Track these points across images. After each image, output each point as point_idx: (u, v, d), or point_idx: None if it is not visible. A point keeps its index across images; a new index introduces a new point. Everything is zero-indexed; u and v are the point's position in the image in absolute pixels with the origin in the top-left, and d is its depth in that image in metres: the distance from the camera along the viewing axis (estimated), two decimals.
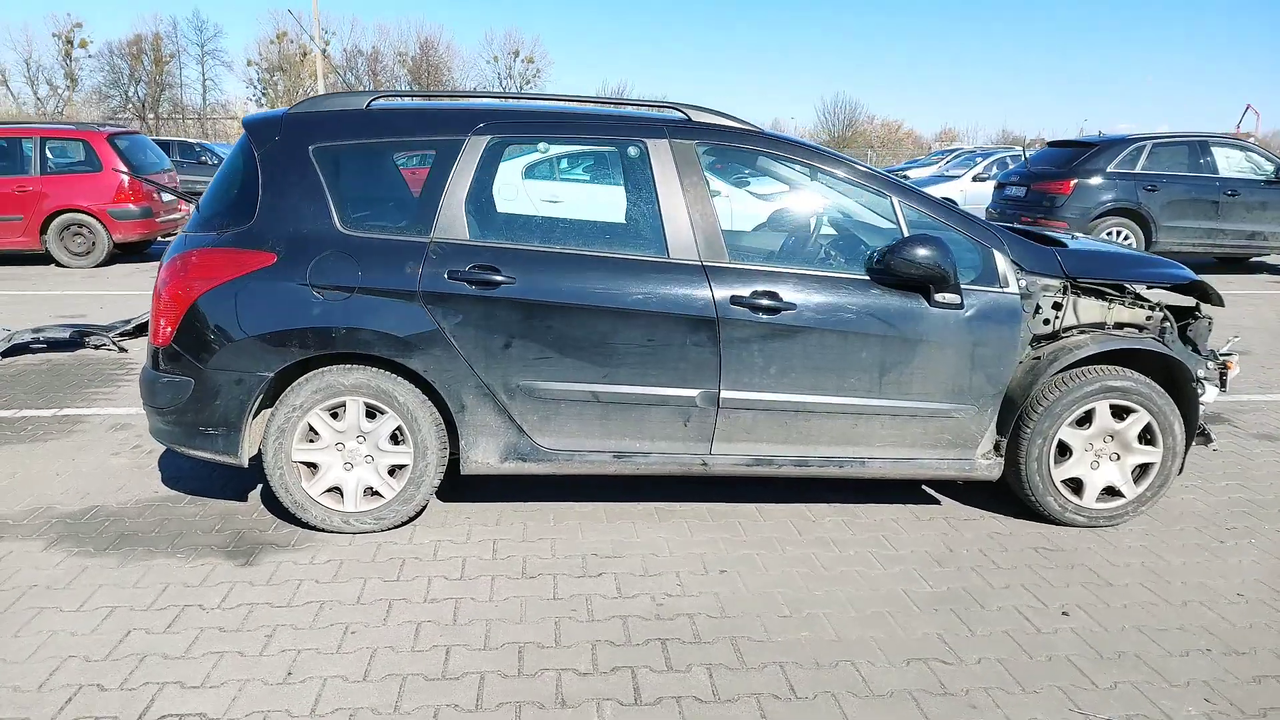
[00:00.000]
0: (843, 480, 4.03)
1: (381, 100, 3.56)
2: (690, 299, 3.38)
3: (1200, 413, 3.84)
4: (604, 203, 3.55)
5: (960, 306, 3.47)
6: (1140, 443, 3.66)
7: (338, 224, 3.35)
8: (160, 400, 3.40)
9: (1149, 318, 3.73)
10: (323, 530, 3.50)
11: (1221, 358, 4.01)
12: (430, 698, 2.50)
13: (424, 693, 2.52)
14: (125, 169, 9.92)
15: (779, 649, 2.78)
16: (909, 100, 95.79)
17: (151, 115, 62.24)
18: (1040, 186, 11.67)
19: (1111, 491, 3.71)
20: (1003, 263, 3.54)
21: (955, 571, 3.32)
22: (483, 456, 3.48)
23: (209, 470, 4.08)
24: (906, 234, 3.48)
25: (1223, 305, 3.92)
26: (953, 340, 3.48)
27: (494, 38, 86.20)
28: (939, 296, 3.45)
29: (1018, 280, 3.55)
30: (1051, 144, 12.68)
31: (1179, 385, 3.67)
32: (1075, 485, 3.70)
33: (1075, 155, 11.62)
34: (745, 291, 3.40)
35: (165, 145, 21.70)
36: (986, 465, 3.63)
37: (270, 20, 78.91)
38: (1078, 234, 5.17)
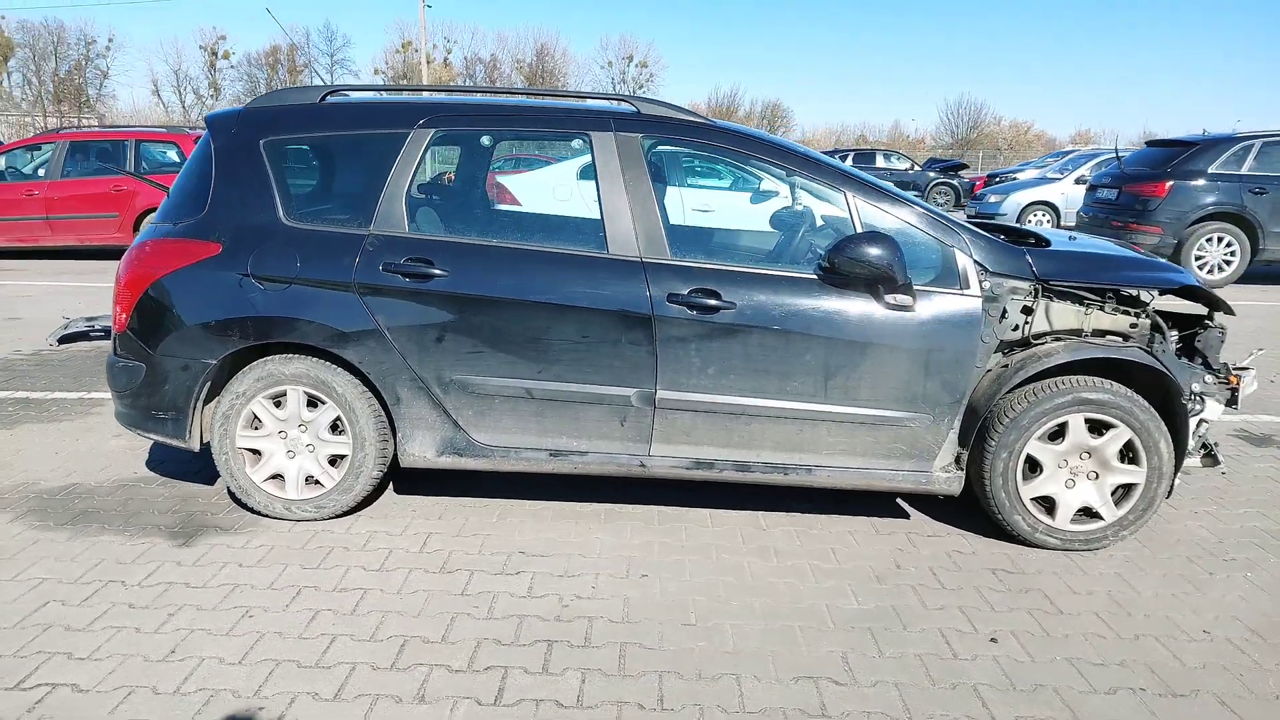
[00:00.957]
0: (809, 490, 3.85)
1: (338, 95, 3.62)
2: (626, 296, 3.29)
3: (1202, 431, 3.51)
4: (560, 197, 3.51)
5: (913, 308, 3.26)
6: (1121, 461, 3.37)
7: (282, 216, 3.42)
8: (118, 384, 3.54)
9: (1133, 325, 3.42)
10: (266, 516, 3.57)
11: (1235, 371, 3.66)
12: (294, 684, 2.50)
13: (290, 679, 2.53)
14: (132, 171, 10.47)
15: (666, 658, 2.67)
16: (1041, 101, 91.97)
17: None
18: (1133, 189, 10.97)
19: (1090, 513, 3.42)
20: (964, 263, 3.31)
21: (892, 589, 3.12)
22: (419, 450, 3.48)
23: (189, 455, 4.23)
24: (858, 231, 3.31)
25: (1231, 313, 3.57)
26: (905, 344, 3.28)
27: (609, 43, 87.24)
28: (889, 298, 3.26)
29: (981, 282, 3.31)
30: (1150, 143, 11.89)
31: (1171, 400, 3.36)
32: (1048, 504, 3.43)
33: (1173, 155, 10.87)
34: (683, 289, 3.29)
35: None
36: (945, 479, 3.41)
37: (396, 31, 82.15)
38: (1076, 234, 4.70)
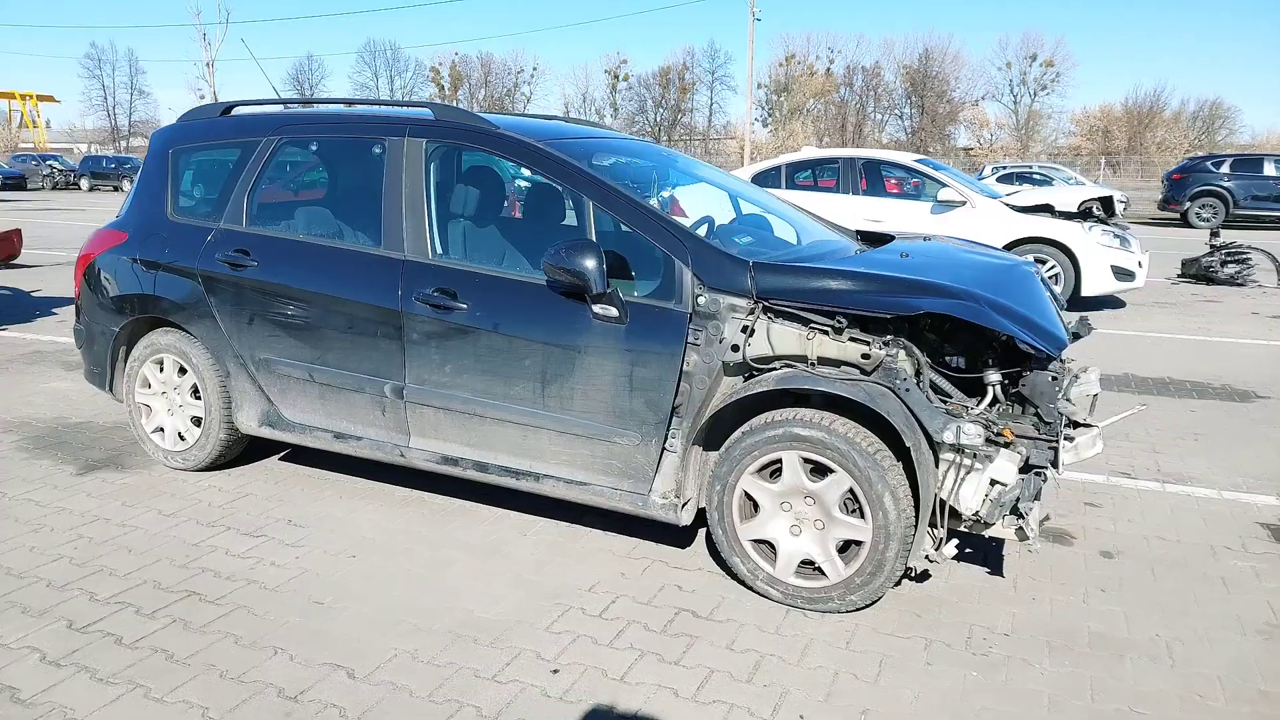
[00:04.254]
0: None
1: (239, 108, 4.21)
2: (383, 291, 3.49)
3: (995, 493, 2.88)
4: (365, 196, 3.78)
5: (621, 320, 3.09)
6: (847, 513, 2.90)
7: (169, 212, 4.08)
8: (76, 342, 4.45)
9: (865, 356, 2.89)
10: (156, 461, 4.27)
11: (1072, 427, 2.97)
12: None
13: None
14: None
15: (252, 624, 2.87)
16: None
17: (666, 138, 70.31)
18: None
19: (818, 567, 2.98)
20: (683, 275, 3.06)
21: (545, 608, 3.00)
22: (246, 419, 3.96)
23: None
24: (588, 237, 3.21)
25: (1044, 354, 2.88)
26: (610, 357, 3.11)
27: (1008, 42, 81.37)
28: (595, 308, 3.12)
29: (696, 296, 3.04)
30: None
31: (919, 448, 2.81)
32: (773, 550, 3.05)
33: None
34: (429, 288, 3.42)
35: None
36: (663, 505, 3.16)
37: (781, 45, 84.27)
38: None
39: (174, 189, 4.12)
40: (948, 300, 2.85)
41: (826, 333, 2.94)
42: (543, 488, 3.36)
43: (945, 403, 2.93)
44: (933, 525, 2.92)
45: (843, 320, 2.92)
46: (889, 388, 2.84)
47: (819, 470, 2.91)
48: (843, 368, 2.95)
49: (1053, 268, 8.85)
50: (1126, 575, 3.31)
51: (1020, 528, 2.92)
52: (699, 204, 4.45)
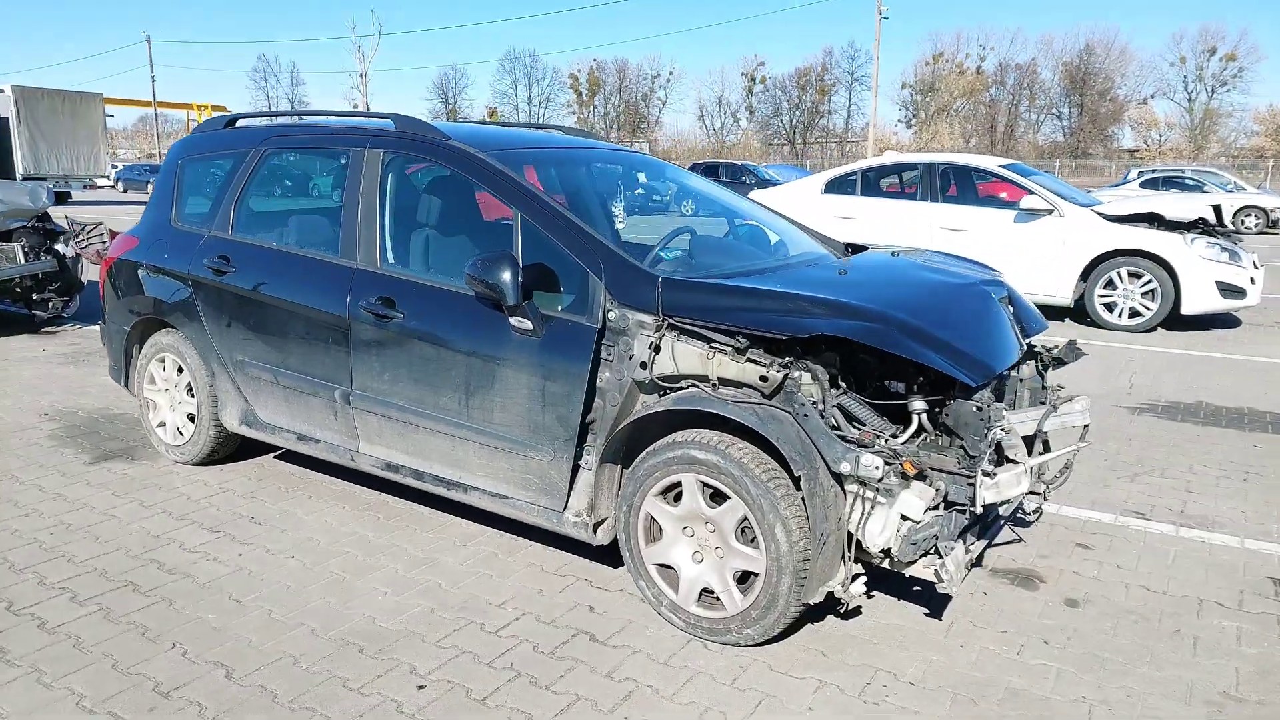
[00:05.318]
0: None
1: (242, 120, 4.41)
2: (335, 299, 3.58)
3: (905, 530, 2.68)
4: (332, 206, 3.88)
5: (535, 333, 3.05)
6: (745, 542, 2.76)
7: (174, 219, 4.32)
8: (101, 340, 4.76)
9: (763, 378, 2.73)
10: (161, 454, 4.52)
11: (997, 462, 2.74)
12: None
13: None
14: None
15: (164, 617, 2.99)
16: None
17: (800, 140, 69.33)
18: None
19: (718, 597, 2.86)
20: (597, 290, 2.99)
21: (436, 620, 2.99)
22: (229, 417, 4.14)
23: None
24: (506, 251, 3.19)
25: (965, 381, 2.65)
26: (525, 370, 3.08)
27: (1184, 36, 75.77)
28: (512, 320, 3.09)
29: (607, 312, 2.97)
30: None
31: (811, 478, 2.65)
32: (678, 576, 2.94)
33: None
34: (372, 297, 3.48)
35: (716, 168, 24.83)
36: (575, 523, 3.10)
37: (929, 42, 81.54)
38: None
39: (179, 197, 4.35)
40: (850, 322, 2.67)
41: (726, 352, 2.81)
42: (470, 499, 3.36)
43: (858, 430, 2.75)
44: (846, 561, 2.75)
45: (744, 340, 2.79)
46: (788, 412, 2.69)
47: (718, 496, 2.79)
48: (744, 389, 2.81)
49: (1148, 283, 8.19)
50: (1083, 627, 3.02)
51: (937, 569, 2.70)
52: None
